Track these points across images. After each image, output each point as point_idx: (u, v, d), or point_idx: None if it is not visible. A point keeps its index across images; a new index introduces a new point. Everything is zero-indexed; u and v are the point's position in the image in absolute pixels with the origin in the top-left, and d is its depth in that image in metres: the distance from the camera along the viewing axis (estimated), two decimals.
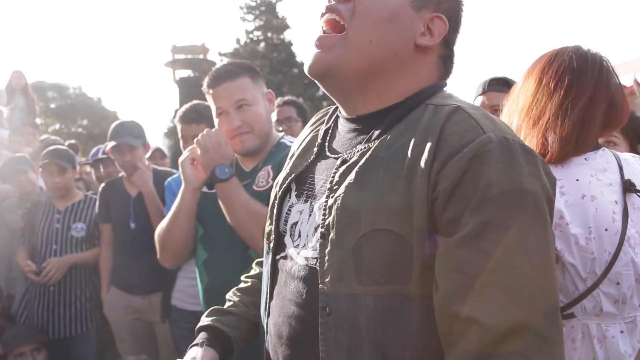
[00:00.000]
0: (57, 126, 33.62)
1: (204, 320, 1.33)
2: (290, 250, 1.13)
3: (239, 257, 1.94)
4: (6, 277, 3.94)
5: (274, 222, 1.20)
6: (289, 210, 1.17)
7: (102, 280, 3.56)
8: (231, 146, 2.02)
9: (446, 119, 0.98)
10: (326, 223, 1.03)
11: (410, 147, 0.98)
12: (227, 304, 1.40)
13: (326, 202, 1.05)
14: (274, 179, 1.96)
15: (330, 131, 1.21)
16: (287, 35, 33.81)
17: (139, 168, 3.29)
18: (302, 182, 1.17)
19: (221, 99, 2.02)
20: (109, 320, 3.50)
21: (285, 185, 1.20)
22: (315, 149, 1.20)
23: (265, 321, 1.19)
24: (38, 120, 7.11)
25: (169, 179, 2.95)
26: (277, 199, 1.21)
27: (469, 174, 0.90)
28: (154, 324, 3.27)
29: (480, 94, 2.58)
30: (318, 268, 1.03)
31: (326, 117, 1.26)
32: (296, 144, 1.32)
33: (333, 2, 1.08)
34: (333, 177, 1.07)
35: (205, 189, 2.06)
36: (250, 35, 33.11)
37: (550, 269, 0.91)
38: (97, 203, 3.60)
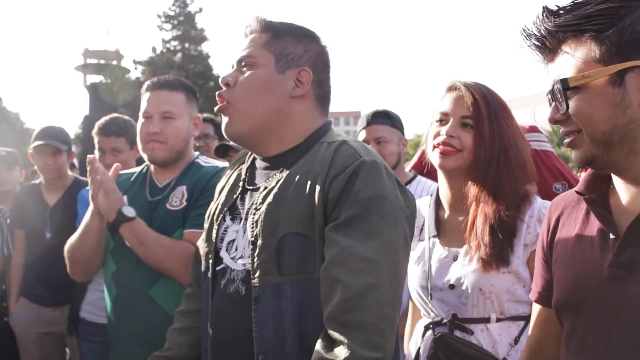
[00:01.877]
0: None
1: None
2: (228, 261, 1.47)
3: (147, 270, 1.98)
4: None
5: (213, 243, 1.53)
6: (225, 231, 1.52)
7: (12, 290, 3.42)
8: (143, 150, 2.10)
9: (336, 150, 1.38)
10: (254, 234, 1.39)
11: (311, 172, 1.37)
12: (166, 345, 1.68)
13: (253, 218, 1.41)
14: (188, 200, 2.05)
15: (249, 169, 1.57)
16: (205, 47, 33.49)
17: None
18: (234, 209, 1.52)
19: (152, 103, 2.10)
20: (15, 332, 3.35)
21: (222, 214, 1.55)
22: (240, 184, 1.55)
23: (207, 324, 1.49)
24: None
25: (83, 190, 2.94)
26: (215, 224, 1.55)
27: (348, 185, 1.30)
28: (66, 337, 3.19)
29: (364, 128, 2.80)
30: (250, 269, 1.38)
31: (245, 158, 1.62)
32: (223, 181, 1.66)
33: (222, 90, 1.48)
34: (256, 200, 1.43)
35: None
36: (167, 45, 32.57)
37: (397, 253, 1.29)
38: (11, 207, 3.47)
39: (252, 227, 1.40)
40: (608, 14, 1.00)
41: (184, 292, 1.76)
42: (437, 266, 1.73)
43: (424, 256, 1.77)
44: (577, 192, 1.19)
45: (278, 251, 1.34)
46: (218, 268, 1.50)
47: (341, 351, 1.18)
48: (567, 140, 1.09)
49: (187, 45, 32.73)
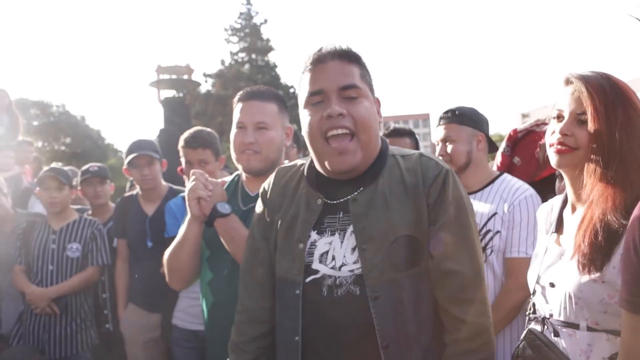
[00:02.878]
0: (40, 144, 33.30)
1: None
2: (327, 271, 1.59)
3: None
4: None
5: (300, 260, 1.61)
6: (312, 245, 1.62)
7: (119, 296, 3.57)
8: (238, 160, 2.13)
9: (420, 161, 1.63)
10: (362, 241, 1.56)
11: (405, 183, 1.60)
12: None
13: (355, 228, 1.58)
14: None
15: (315, 186, 1.67)
16: (272, 57, 34.06)
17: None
18: (319, 224, 1.63)
19: (246, 114, 2.11)
20: (124, 337, 3.49)
21: (306, 232, 1.63)
22: (319, 201, 1.64)
23: (295, 338, 1.58)
24: (20, 138, 7.09)
25: (170, 202, 3.03)
26: (298, 243, 1.63)
27: (442, 191, 1.58)
28: None
29: (436, 128, 2.77)
30: (362, 272, 1.54)
31: (299, 175, 1.75)
32: (278, 199, 1.75)
33: (343, 120, 1.56)
34: (352, 212, 1.59)
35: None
36: (235, 57, 33.38)
37: (478, 238, 1.64)
38: (113, 218, 3.64)
39: (359, 235, 1.56)
40: None
41: (235, 323, 1.77)
42: (548, 263, 1.69)
43: (540, 251, 1.75)
44: None
45: (391, 252, 1.53)
46: (308, 280, 1.60)
47: (467, 325, 1.53)
48: None
49: (254, 56, 33.46)
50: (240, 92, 2.20)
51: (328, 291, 1.57)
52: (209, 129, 3.26)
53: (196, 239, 2.08)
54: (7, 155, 4.98)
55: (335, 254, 1.58)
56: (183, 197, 3.02)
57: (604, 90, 1.54)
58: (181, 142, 3.14)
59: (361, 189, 1.60)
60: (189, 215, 2.08)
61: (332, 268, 1.58)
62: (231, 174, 2.88)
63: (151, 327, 3.33)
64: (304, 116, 1.61)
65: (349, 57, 1.59)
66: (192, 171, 2.11)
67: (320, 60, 1.58)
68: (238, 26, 33.63)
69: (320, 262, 1.59)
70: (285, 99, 2.26)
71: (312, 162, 1.70)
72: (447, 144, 2.66)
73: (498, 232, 2.49)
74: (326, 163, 1.59)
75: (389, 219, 1.55)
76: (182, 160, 3.20)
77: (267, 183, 1.82)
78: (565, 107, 1.60)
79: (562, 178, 2.63)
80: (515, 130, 3.11)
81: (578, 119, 1.57)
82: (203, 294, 2.17)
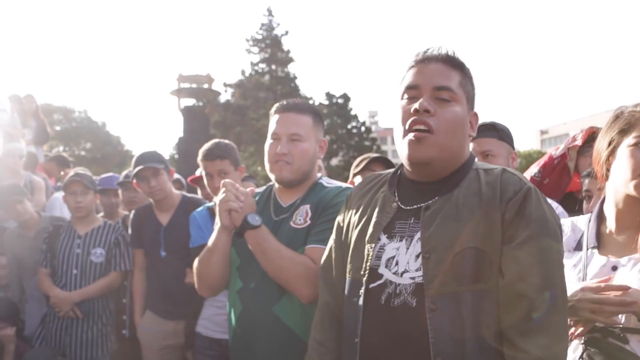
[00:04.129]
0: (61, 148, 33.82)
1: None
2: (390, 277, 1.56)
3: (272, 287, 2.03)
4: (19, 299, 4.02)
5: (367, 262, 1.61)
6: (381, 249, 1.60)
7: (136, 304, 3.64)
8: (271, 171, 2.16)
9: (501, 176, 1.56)
10: (427, 249, 1.51)
11: (482, 195, 1.53)
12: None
13: (422, 236, 1.54)
14: (312, 218, 2.09)
15: (395, 190, 1.68)
16: (292, 69, 34.24)
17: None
18: (390, 228, 1.61)
19: (280, 125, 2.15)
20: (141, 343, 3.55)
21: (376, 234, 1.63)
22: (394, 205, 1.64)
23: (355, 340, 1.57)
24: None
25: (194, 212, 3.08)
26: (368, 244, 1.63)
27: (521, 208, 1.49)
28: (185, 352, 3.34)
29: (471, 140, 2.68)
30: (423, 281, 1.49)
31: (384, 180, 1.74)
32: (361, 201, 1.75)
33: (424, 114, 1.55)
34: (422, 219, 1.56)
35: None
36: (255, 67, 33.57)
37: (562, 266, 1.50)
38: (130, 228, 3.70)
39: (423, 244, 1.53)
40: None
41: (316, 319, 1.79)
42: (594, 273, 1.73)
43: (579, 264, 1.78)
44: None
45: (454, 264, 1.48)
46: (372, 285, 1.58)
47: (524, 355, 1.41)
48: None
49: (274, 67, 33.61)
50: (277, 104, 2.23)
51: (386, 299, 1.54)
52: (226, 141, 3.31)
53: (225, 248, 2.10)
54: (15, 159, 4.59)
55: (400, 260, 1.56)
56: (207, 208, 3.10)
57: None
58: (200, 156, 3.19)
59: (436, 197, 1.57)
60: (218, 224, 2.10)
61: (395, 274, 1.55)
62: (256, 184, 2.91)
63: (167, 334, 3.38)
64: (396, 110, 1.63)
65: (452, 62, 1.61)
66: (222, 182, 2.12)
67: (424, 61, 1.62)
68: (259, 37, 33.86)
69: (386, 267, 1.57)
70: (321, 113, 2.28)
71: (399, 166, 1.73)
72: (488, 157, 2.62)
73: None
74: (404, 154, 1.59)
75: (458, 230, 1.50)
76: (202, 172, 3.24)
77: (354, 187, 1.86)
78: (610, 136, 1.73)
79: (589, 200, 2.65)
80: (551, 157, 3.09)
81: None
82: (231, 302, 2.19)
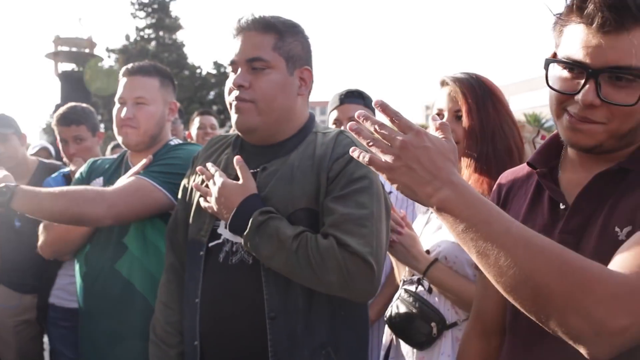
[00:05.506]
0: None
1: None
2: (228, 236, 1.60)
3: (119, 245, 2.06)
4: None
5: (209, 222, 1.66)
6: None
7: None
8: (118, 134, 2.15)
9: (336, 137, 1.62)
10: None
11: (315, 157, 1.58)
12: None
13: (261, 196, 1.57)
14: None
15: (238, 154, 1.68)
16: (180, 36, 33.07)
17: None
18: None
19: (126, 89, 2.14)
20: None
21: None
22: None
23: (195, 300, 1.61)
24: None
25: (48, 178, 2.92)
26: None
27: (346, 167, 1.53)
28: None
29: (337, 107, 2.74)
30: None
31: (222, 143, 1.79)
32: (203, 162, 1.75)
33: (239, 92, 1.59)
34: (257, 180, 1.60)
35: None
36: (141, 33, 32.06)
37: (381, 222, 1.53)
38: None
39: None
40: None
41: (162, 281, 1.81)
42: (426, 235, 1.86)
43: (418, 228, 1.91)
44: (528, 164, 1.23)
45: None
46: (212, 244, 1.63)
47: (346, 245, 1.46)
48: (581, 126, 1.04)
49: (161, 33, 32.26)
50: (123, 68, 2.21)
51: (224, 258, 1.60)
52: (84, 105, 3.17)
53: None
54: None
55: None
56: (63, 174, 2.95)
57: (474, 88, 1.75)
58: (54, 121, 3.05)
59: (274, 160, 1.62)
60: None
61: (225, 228, 1.60)
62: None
63: (24, 309, 3.15)
64: (228, 83, 1.66)
65: (264, 27, 1.60)
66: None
67: (238, 31, 1.63)
68: (146, 1, 32.26)
69: (225, 227, 1.60)
70: (171, 74, 2.27)
71: None
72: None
73: None
74: (233, 124, 1.65)
75: (290, 192, 1.56)
76: (58, 138, 3.08)
77: (201, 149, 1.86)
78: (444, 106, 1.80)
79: None
80: None
81: (455, 115, 1.77)
82: (78, 267, 2.19)
